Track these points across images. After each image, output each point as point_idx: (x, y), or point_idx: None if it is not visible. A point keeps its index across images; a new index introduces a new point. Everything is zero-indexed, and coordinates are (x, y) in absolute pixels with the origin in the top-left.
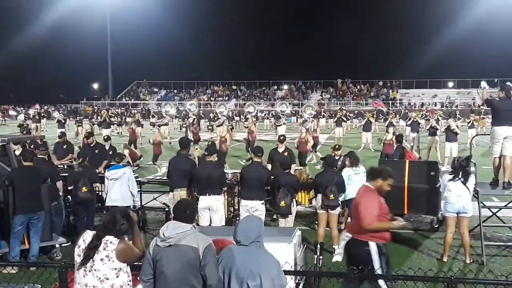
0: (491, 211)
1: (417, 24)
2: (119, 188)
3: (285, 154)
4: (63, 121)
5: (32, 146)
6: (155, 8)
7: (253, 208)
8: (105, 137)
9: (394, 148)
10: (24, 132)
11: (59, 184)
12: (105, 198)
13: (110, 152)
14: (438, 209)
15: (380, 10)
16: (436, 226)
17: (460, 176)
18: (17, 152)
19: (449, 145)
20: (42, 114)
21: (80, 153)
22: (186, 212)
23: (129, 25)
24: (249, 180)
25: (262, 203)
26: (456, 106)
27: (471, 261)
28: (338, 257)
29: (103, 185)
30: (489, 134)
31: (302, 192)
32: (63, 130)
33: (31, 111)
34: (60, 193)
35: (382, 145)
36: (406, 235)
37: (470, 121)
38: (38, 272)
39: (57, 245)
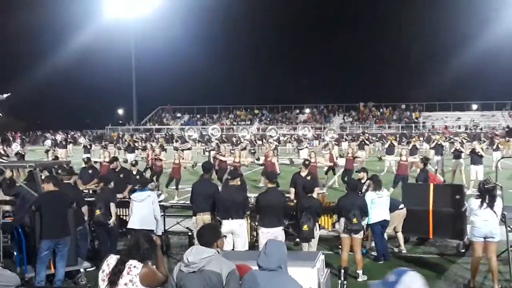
0: None
1: (440, 46)
2: (142, 211)
3: (308, 178)
4: (88, 147)
5: (59, 172)
6: (179, 34)
7: (273, 235)
8: (133, 162)
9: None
10: (52, 158)
11: (85, 209)
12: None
13: (137, 177)
14: (464, 233)
15: (401, 32)
16: (463, 251)
17: (486, 200)
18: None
19: (474, 168)
20: (69, 140)
21: (102, 177)
22: (209, 236)
23: (153, 52)
24: (267, 207)
25: (282, 229)
26: (481, 129)
27: (500, 287)
28: None
29: (127, 209)
30: None
31: (325, 216)
32: (88, 155)
33: (58, 137)
34: (85, 218)
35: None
36: (432, 260)
37: (495, 144)
38: None
39: (82, 270)
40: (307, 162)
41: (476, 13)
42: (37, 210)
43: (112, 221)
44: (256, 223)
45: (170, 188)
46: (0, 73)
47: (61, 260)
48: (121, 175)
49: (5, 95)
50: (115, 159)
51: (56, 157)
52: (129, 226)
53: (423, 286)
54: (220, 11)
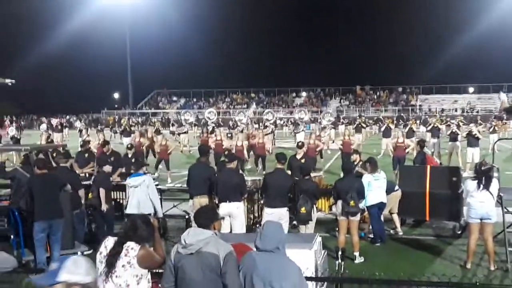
0: None
1: (437, 28)
2: (138, 196)
3: (303, 160)
4: (84, 131)
5: (54, 155)
6: (174, 17)
7: (278, 216)
8: (129, 146)
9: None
10: (49, 141)
11: (81, 192)
12: (126, 206)
13: (133, 160)
14: (460, 215)
15: (398, 15)
16: (459, 232)
17: (483, 182)
18: None
19: (471, 150)
20: (64, 124)
21: (98, 161)
22: (207, 218)
23: (148, 35)
24: (273, 187)
25: (287, 210)
26: (477, 112)
27: (496, 268)
28: None
29: (122, 192)
30: (511, 139)
31: (322, 199)
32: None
33: (54, 122)
34: (82, 201)
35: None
36: (428, 242)
37: (491, 126)
38: None
39: (79, 253)
40: (300, 144)
41: None
42: (29, 192)
43: (102, 205)
44: (262, 203)
45: (163, 173)
46: None
47: (55, 243)
48: (112, 159)
49: (8, 81)
50: (106, 142)
51: (51, 141)
52: (127, 211)
53: (88, 267)
54: None
